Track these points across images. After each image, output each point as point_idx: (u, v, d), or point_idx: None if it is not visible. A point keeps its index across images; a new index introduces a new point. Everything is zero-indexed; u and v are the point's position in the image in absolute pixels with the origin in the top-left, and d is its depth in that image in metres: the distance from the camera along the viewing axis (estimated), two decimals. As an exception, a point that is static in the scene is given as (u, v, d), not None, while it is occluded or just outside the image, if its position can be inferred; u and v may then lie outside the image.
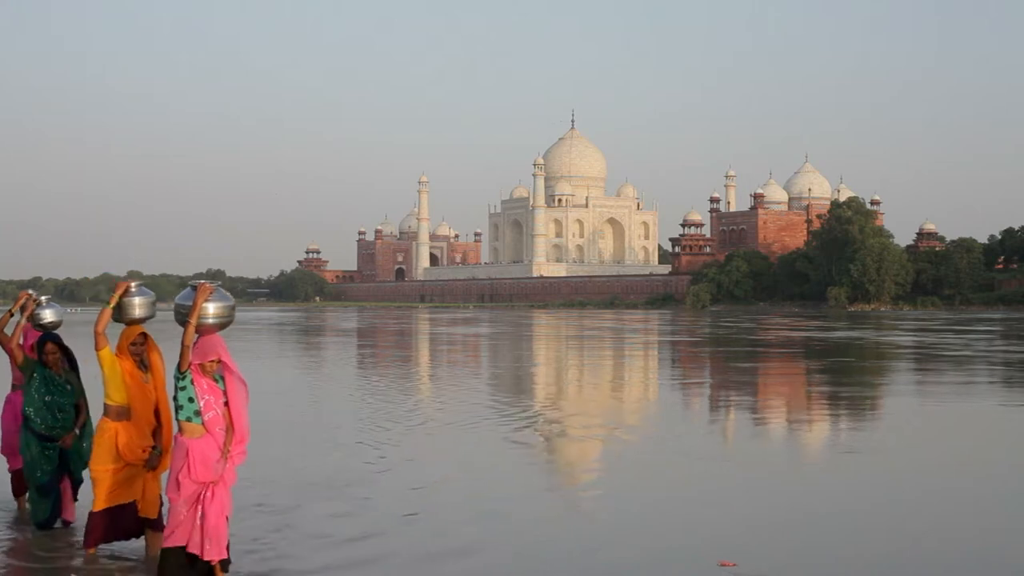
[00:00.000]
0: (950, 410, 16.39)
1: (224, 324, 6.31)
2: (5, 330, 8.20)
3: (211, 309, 6.21)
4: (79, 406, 7.71)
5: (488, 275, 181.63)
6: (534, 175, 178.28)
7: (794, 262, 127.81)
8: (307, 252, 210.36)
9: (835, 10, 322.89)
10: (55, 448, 7.58)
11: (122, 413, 6.78)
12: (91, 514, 6.88)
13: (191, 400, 6.11)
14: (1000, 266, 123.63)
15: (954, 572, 7.02)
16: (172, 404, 6.24)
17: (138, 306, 6.91)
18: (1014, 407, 17.11)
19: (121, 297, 6.88)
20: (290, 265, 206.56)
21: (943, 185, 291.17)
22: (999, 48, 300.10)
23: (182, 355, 6.09)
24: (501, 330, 54.74)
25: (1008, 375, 23.99)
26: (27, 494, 8.18)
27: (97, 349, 6.72)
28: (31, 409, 7.57)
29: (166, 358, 6.97)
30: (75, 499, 7.81)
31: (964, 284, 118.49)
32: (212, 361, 6.13)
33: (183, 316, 6.20)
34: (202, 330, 6.20)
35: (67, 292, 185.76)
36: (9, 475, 8.41)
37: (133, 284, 6.98)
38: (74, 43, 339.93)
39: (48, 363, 7.64)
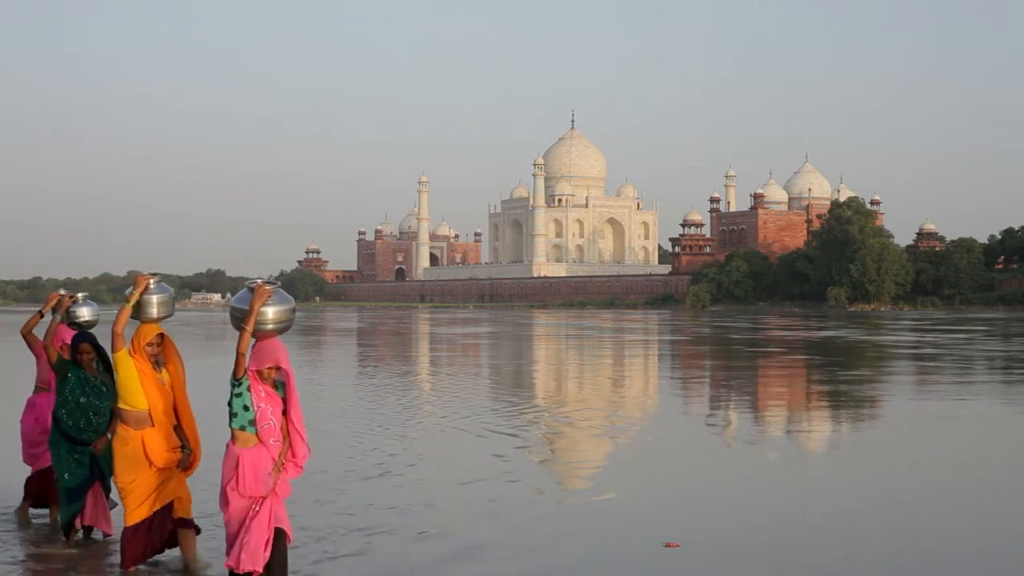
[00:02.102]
0: (947, 409, 16.40)
1: (284, 329, 5.88)
2: (34, 331, 7.97)
3: (270, 313, 5.79)
4: (112, 410, 7.36)
5: (488, 275, 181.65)
6: (534, 175, 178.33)
7: (794, 262, 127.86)
8: (307, 252, 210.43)
9: (835, 10, 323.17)
10: (86, 452, 7.21)
11: (142, 420, 6.33)
12: (125, 530, 6.41)
13: (246, 408, 5.73)
14: (1000, 266, 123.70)
15: (954, 572, 7.02)
16: (227, 411, 5.84)
17: (156, 304, 6.40)
18: (1014, 406, 17.11)
19: (140, 294, 6.38)
20: (290, 265, 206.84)
21: (943, 185, 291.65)
22: (999, 48, 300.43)
23: (237, 362, 5.71)
24: (502, 330, 54.78)
25: (987, 371, 24.02)
26: (28, 503, 8.01)
27: (114, 351, 6.27)
28: (63, 411, 7.22)
29: (192, 358, 6.66)
30: (110, 505, 7.41)
31: (964, 284, 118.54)
32: (271, 368, 5.76)
33: (239, 321, 5.77)
34: (260, 335, 5.79)
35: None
36: (25, 480, 8.10)
37: (152, 280, 6.46)
38: (74, 43, 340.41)
39: (82, 363, 7.26)
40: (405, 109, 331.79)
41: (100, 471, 7.24)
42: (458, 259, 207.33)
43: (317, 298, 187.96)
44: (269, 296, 5.81)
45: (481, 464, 10.78)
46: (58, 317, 7.60)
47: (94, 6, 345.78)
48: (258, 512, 5.78)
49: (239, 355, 5.68)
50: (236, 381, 5.73)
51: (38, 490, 7.98)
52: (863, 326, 57.89)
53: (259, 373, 5.74)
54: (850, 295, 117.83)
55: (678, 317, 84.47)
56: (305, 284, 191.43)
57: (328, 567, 6.84)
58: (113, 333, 6.24)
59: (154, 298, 6.41)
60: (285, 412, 5.84)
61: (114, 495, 7.38)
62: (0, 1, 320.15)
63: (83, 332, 7.44)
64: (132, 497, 6.31)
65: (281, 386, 5.84)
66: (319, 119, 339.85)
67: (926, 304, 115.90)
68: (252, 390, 5.73)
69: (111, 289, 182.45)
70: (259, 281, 5.86)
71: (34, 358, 8.12)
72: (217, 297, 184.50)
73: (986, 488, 9.77)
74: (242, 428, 5.74)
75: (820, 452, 12.46)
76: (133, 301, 6.34)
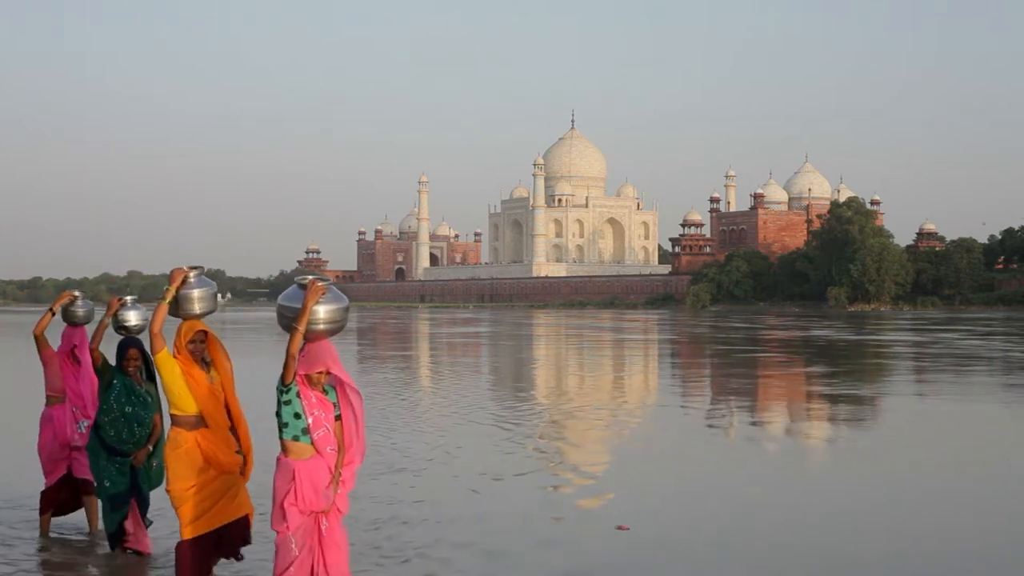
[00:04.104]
0: (945, 409, 16.43)
1: (336, 330, 5.42)
2: (44, 332, 7.55)
3: (321, 313, 5.32)
4: (155, 420, 7.02)
5: (488, 275, 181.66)
6: (534, 175, 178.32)
7: (794, 262, 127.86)
8: (307, 252, 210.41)
9: (835, 10, 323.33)
10: (126, 463, 6.90)
11: (195, 424, 5.87)
12: (181, 544, 5.80)
13: (298, 416, 5.27)
14: (1000, 266, 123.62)
15: (954, 572, 7.04)
16: (277, 421, 5.36)
17: (197, 300, 5.93)
18: (1015, 406, 17.13)
19: (178, 289, 5.89)
20: (290, 265, 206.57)
21: (943, 185, 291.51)
22: (999, 48, 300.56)
23: (286, 366, 5.26)
24: (503, 331, 54.86)
25: (961, 369, 24.08)
26: (48, 513, 7.69)
27: (154, 352, 5.77)
28: (106, 419, 6.87)
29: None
30: (146, 523, 7.05)
31: (964, 284, 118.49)
32: (320, 372, 5.32)
33: (289, 320, 5.32)
34: (310, 336, 5.34)
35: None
36: (41, 491, 7.70)
37: (192, 273, 5.96)
38: (74, 43, 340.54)
39: (127, 370, 6.91)
40: (405, 109, 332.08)
41: (137, 485, 6.94)
42: (458, 259, 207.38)
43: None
44: (323, 294, 5.35)
45: (493, 458, 11.03)
46: (107, 320, 7.17)
47: (94, 6, 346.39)
48: (330, 532, 5.37)
49: (289, 358, 5.25)
50: (284, 387, 5.28)
51: (55, 498, 7.65)
52: (855, 326, 58.03)
53: (308, 378, 5.31)
54: (850, 295, 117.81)
55: (675, 317, 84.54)
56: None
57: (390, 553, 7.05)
58: (151, 333, 5.75)
59: (194, 292, 5.94)
60: (338, 418, 5.41)
61: (151, 512, 7.19)
62: (0, 1, 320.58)
63: (130, 337, 7.09)
64: (188, 506, 5.77)
65: (332, 390, 5.42)
66: (319, 119, 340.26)
67: (926, 304, 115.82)
68: (302, 396, 5.29)
69: (111, 289, 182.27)
70: (310, 278, 5.38)
71: (41, 364, 7.68)
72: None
73: (986, 488, 9.79)
74: (295, 438, 5.28)
75: (792, 447, 12.49)
76: (169, 297, 5.85)
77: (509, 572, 6.93)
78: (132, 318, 7.22)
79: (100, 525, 7.40)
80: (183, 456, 5.82)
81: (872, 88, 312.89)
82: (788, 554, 7.38)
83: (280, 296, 5.42)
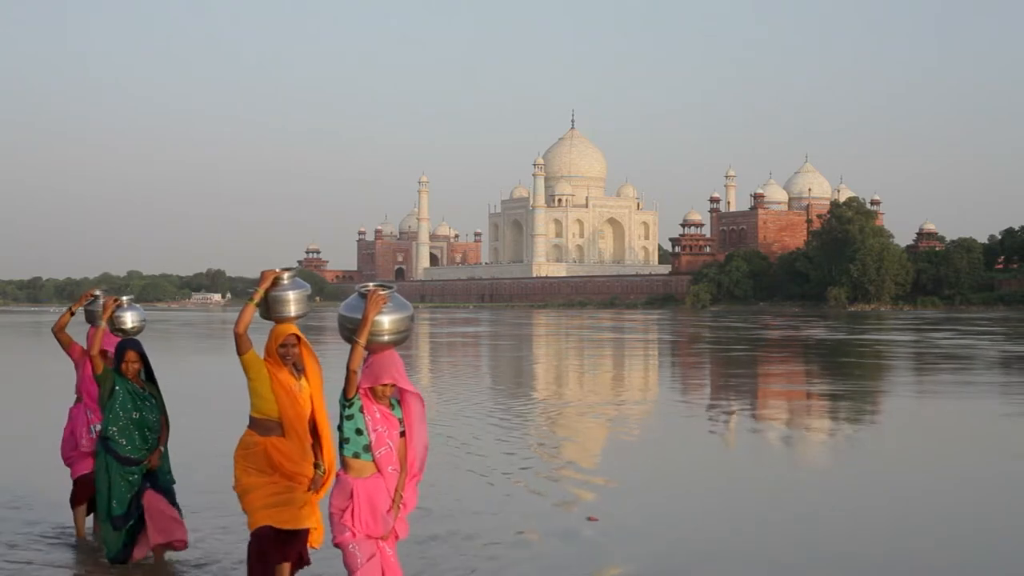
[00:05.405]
0: (941, 409, 16.46)
1: (401, 340, 5.13)
2: (66, 330, 7.36)
3: (385, 323, 5.05)
4: (162, 422, 6.79)
5: (488, 275, 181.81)
6: (534, 175, 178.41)
7: (794, 262, 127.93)
8: (307, 252, 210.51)
9: (835, 11, 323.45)
10: (139, 472, 6.64)
11: (271, 428, 5.63)
12: (252, 535, 5.62)
13: (360, 432, 5.03)
14: (1000, 266, 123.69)
15: (954, 572, 7.04)
16: (336, 435, 5.15)
17: (292, 301, 5.63)
18: (1013, 405, 17.16)
19: (269, 291, 5.64)
20: (290, 265, 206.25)
21: (943, 185, 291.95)
22: (999, 48, 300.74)
23: (348, 380, 5.01)
24: (502, 331, 54.92)
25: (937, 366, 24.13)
26: (82, 506, 7.43)
27: (240, 353, 5.53)
28: (114, 428, 6.58)
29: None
30: (180, 515, 6.77)
31: (964, 284, 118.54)
32: (385, 385, 5.05)
33: (350, 332, 5.08)
34: (373, 347, 5.06)
35: (67, 292, 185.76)
36: (72, 483, 7.48)
37: (285, 274, 5.68)
38: (74, 43, 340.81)
39: (126, 373, 6.65)
40: (405, 109, 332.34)
41: (159, 484, 6.71)
42: (458, 259, 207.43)
43: (317, 298, 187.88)
44: (385, 303, 5.09)
45: (483, 454, 11.03)
46: (104, 324, 6.96)
47: (95, 6, 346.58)
48: (389, 563, 5.14)
49: (351, 372, 5.01)
50: (347, 402, 5.05)
51: (88, 490, 7.31)
52: (851, 327, 58.24)
53: (372, 391, 5.06)
54: (850, 295, 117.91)
55: (673, 317, 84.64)
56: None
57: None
58: (236, 334, 5.53)
59: (290, 294, 5.65)
60: (403, 435, 5.14)
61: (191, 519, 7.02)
62: (1, 1, 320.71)
63: (128, 339, 6.87)
64: (250, 497, 5.64)
65: (397, 404, 5.14)
66: (319, 119, 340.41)
67: (926, 304, 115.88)
68: (366, 411, 5.05)
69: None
70: (371, 286, 5.13)
71: (72, 363, 7.49)
72: (217, 297, 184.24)
73: (985, 488, 9.80)
74: (356, 455, 5.05)
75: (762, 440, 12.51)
76: (257, 298, 5.61)
77: (481, 563, 6.97)
78: (129, 319, 7.04)
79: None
80: (248, 456, 5.67)
81: (872, 88, 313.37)
82: (788, 554, 7.38)
83: (341, 306, 5.18)
